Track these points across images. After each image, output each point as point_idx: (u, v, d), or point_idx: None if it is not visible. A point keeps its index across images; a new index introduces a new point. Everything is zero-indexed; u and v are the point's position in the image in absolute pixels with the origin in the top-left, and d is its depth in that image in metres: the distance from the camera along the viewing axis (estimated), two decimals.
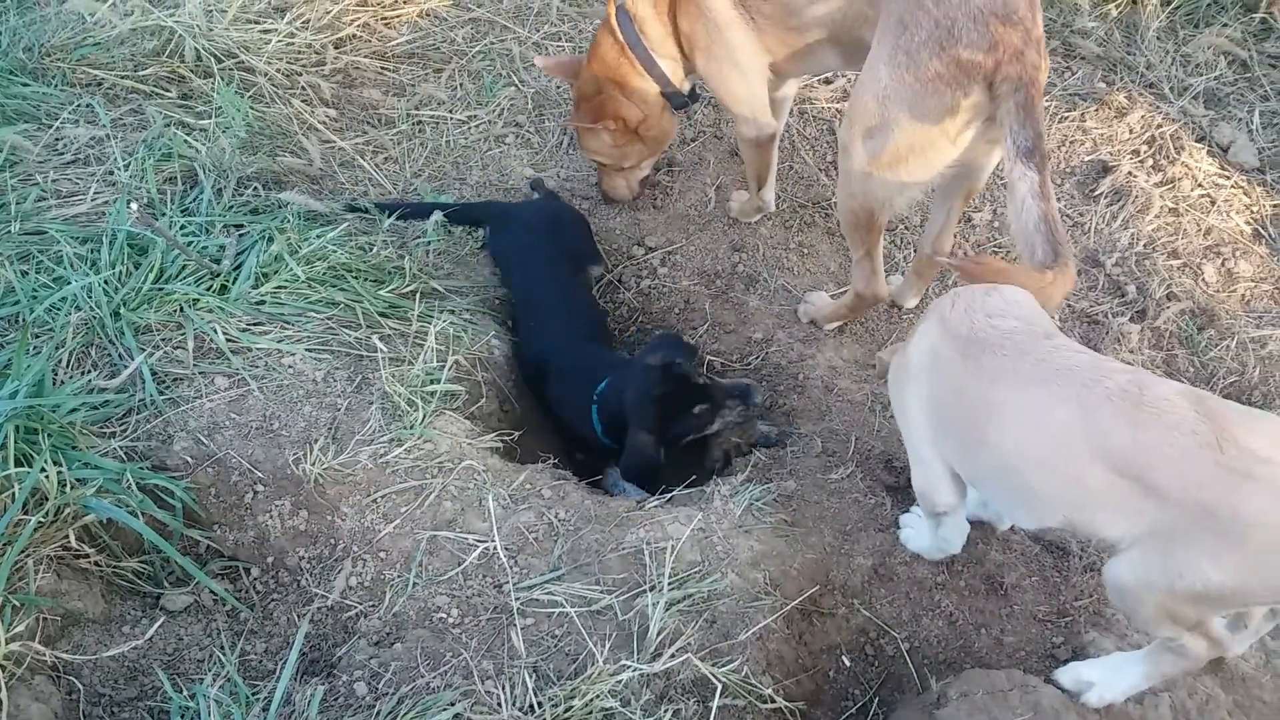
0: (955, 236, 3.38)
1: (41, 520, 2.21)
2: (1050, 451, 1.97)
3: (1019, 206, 2.37)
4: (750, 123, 3.18)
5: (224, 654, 2.29)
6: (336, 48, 3.92)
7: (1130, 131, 3.87)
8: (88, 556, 2.34)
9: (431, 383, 2.77)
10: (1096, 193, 3.67)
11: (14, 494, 2.18)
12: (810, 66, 3.13)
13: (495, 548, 2.43)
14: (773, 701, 2.25)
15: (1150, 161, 3.78)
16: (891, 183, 2.65)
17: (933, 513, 2.38)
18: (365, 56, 3.96)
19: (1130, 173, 3.71)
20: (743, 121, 3.20)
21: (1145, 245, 3.53)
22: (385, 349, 2.79)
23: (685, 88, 3.33)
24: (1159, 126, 3.86)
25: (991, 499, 2.28)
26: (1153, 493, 1.83)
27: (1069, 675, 2.26)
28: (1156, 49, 4.15)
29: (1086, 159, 3.79)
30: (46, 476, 2.23)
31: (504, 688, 2.14)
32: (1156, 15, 4.21)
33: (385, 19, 4.14)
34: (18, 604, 2.14)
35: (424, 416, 2.67)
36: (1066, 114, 3.91)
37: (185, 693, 2.19)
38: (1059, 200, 3.66)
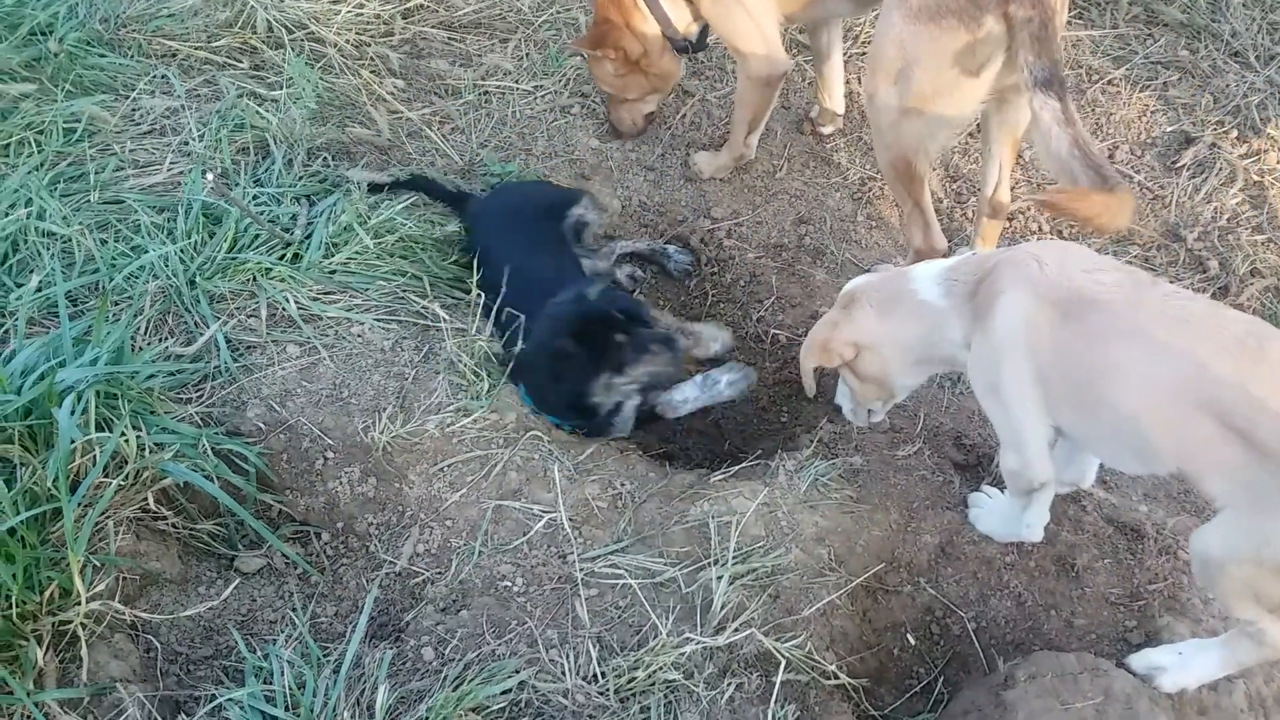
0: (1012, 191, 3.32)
1: (121, 483, 2.26)
2: (1163, 403, 1.94)
3: (1046, 135, 2.39)
4: (762, 59, 3.17)
5: (296, 616, 2.34)
6: (404, 18, 3.93)
7: (1214, 101, 3.74)
8: (165, 519, 2.40)
9: (496, 354, 2.78)
10: (1178, 164, 3.57)
11: (95, 458, 2.23)
12: (822, 11, 3.19)
13: (560, 518, 2.45)
14: (836, 678, 2.24)
15: (1235, 133, 3.66)
16: (921, 126, 2.68)
17: (1029, 490, 2.31)
18: (432, 27, 3.97)
19: (1214, 144, 3.59)
20: (753, 59, 3.19)
21: (1229, 219, 3.42)
22: (450, 319, 2.81)
23: (692, 32, 3.38)
24: (1244, 96, 3.73)
25: (1103, 453, 2.28)
26: (1255, 449, 1.80)
27: (1142, 660, 2.22)
28: (1243, 16, 4.00)
29: (1168, 129, 3.67)
30: (126, 441, 2.29)
31: (568, 657, 2.17)
32: None
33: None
34: (98, 564, 2.20)
35: (489, 387, 2.69)
36: (1148, 83, 3.79)
37: (259, 653, 2.24)
38: (1139, 173, 3.56)
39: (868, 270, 3.31)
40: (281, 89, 3.50)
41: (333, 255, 2.93)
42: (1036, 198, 2.38)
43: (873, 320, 2.36)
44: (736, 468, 2.69)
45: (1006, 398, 2.19)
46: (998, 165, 3.00)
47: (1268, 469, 1.80)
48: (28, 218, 2.90)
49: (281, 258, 2.90)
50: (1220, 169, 3.52)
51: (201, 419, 2.54)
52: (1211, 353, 1.87)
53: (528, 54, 3.96)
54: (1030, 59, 2.38)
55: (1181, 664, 2.17)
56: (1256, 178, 3.51)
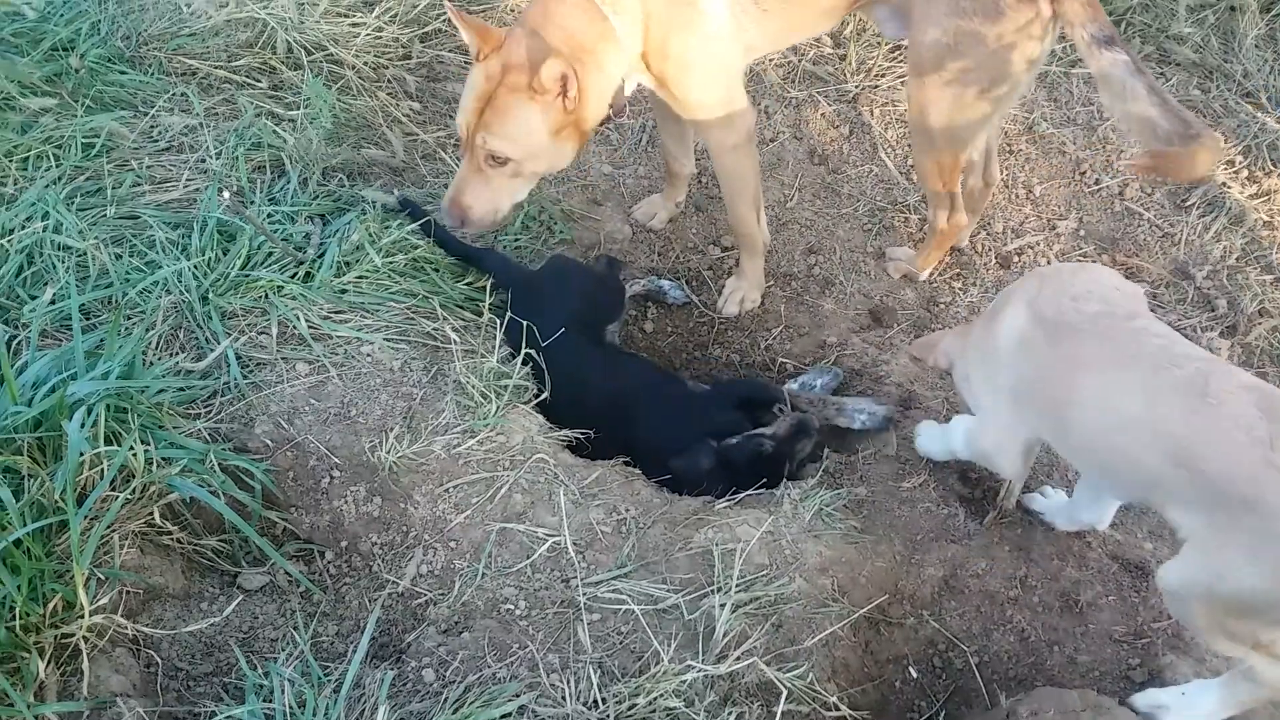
0: (1040, 244, 3.33)
1: (128, 497, 2.27)
2: (1119, 436, 1.98)
3: (1121, 89, 2.43)
4: (734, 122, 2.82)
5: (298, 634, 2.33)
6: (422, 42, 3.97)
7: (1225, 141, 3.75)
8: (170, 534, 2.40)
9: (504, 376, 2.80)
10: (1188, 203, 3.58)
11: (103, 471, 2.24)
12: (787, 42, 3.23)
13: (564, 542, 2.45)
14: (837, 710, 2.23)
15: (1245, 173, 3.67)
16: (976, 120, 2.75)
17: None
18: (449, 51, 4.00)
19: (1224, 184, 3.60)
20: (726, 127, 2.82)
21: (1238, 259, 3.43)
22: (459, 340, 2.82)
23: None
24: (1255, 137, 3.74)
25: (1083, 473, 2.39)
26: (1203, 484, 1.82)
27: (1145, 699, 2.21)
28: (1255, 57, 4.03)
29: None
30: (134, 455, 2.29)
31: (569, 682, 2.16)
32: (1255, 22, 4.09)
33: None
34: (102, 577, 2.20)
35: (496, 409, 2.69)
36: None
37: (259, 670, 2.24)
38: (1149, 210, 3.57)
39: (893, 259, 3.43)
40: (299, 109, 3.53)
41: (344, 274, 2.94)
42: (1134, 164, 2.49)
43: None
44: (742, 495, 2.69)
45: (982, 399, 2.33)
46: (986, 139, 3.07)
47: (1215, 505, 1.82)
48: (44, 231, 2.92)
49: (294, 276, 2.91)
50: (1230, 208, 3.53)
51: (210, 434, 2.55)
52: (1160, 387, 1.92)
53: None
54: (1087, 22, 2.47)
55: (1185, 704, 2.16)
56: (1266, 218, 3.52)
